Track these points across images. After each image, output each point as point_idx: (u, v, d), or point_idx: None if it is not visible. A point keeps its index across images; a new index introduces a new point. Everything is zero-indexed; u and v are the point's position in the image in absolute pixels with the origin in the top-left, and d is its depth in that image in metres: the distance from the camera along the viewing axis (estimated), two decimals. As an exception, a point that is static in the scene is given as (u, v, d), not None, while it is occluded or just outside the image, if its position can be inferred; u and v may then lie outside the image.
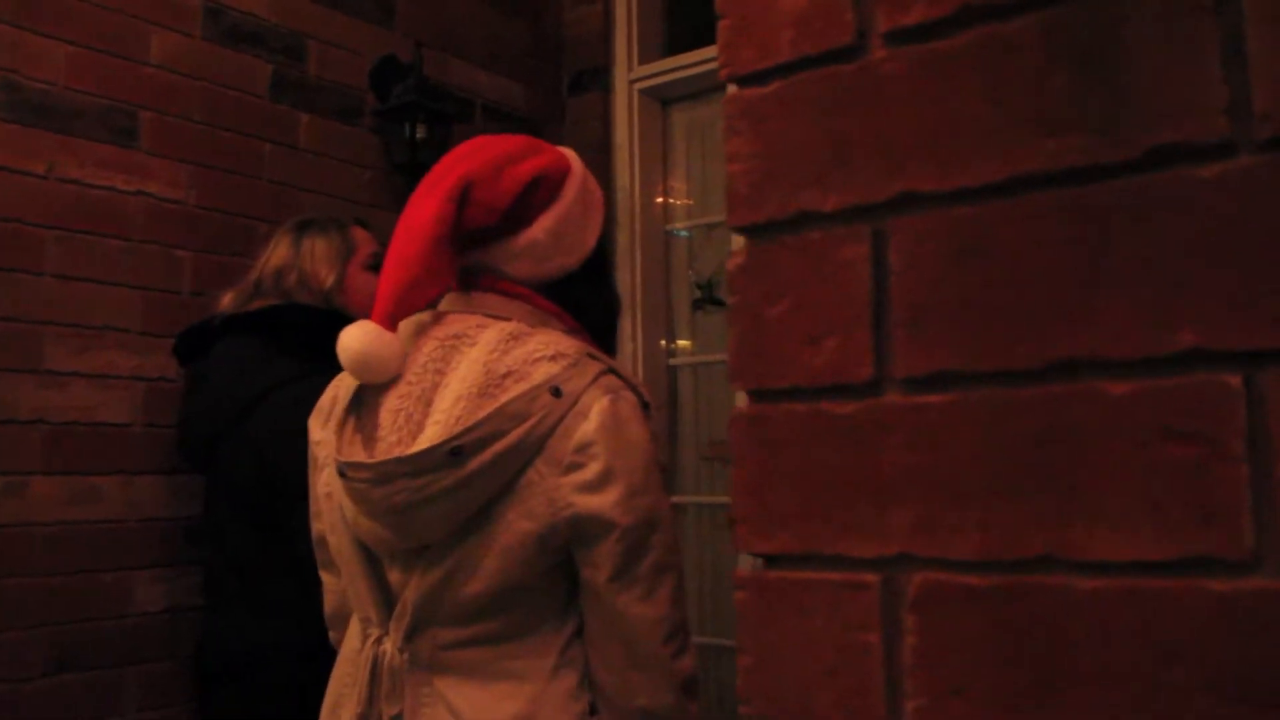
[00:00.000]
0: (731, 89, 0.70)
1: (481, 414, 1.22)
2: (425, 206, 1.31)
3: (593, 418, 1.26)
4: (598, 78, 3.34)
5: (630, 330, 3.24)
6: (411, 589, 1.29)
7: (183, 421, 2.21)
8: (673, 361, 3.31)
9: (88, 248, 2.24)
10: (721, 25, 0.71)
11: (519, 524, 1.25)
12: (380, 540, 1.31)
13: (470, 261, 1.41)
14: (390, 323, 1.28)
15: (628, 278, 3.25)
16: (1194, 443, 0.53)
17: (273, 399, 2.02)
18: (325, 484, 1.39)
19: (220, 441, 2.08)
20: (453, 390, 1.27)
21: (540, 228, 1.39)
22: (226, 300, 2.16)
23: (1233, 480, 0.52)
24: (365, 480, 1.24)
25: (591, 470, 1.25)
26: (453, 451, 1.21)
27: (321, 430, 1.41)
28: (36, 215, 2.17)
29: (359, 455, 1.27)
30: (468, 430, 1.21)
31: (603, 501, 1.25)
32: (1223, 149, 0.53)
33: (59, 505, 2.17)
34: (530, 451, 1.25)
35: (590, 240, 1.46)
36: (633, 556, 1.27)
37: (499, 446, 1.22)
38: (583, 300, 1.44)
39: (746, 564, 2.80)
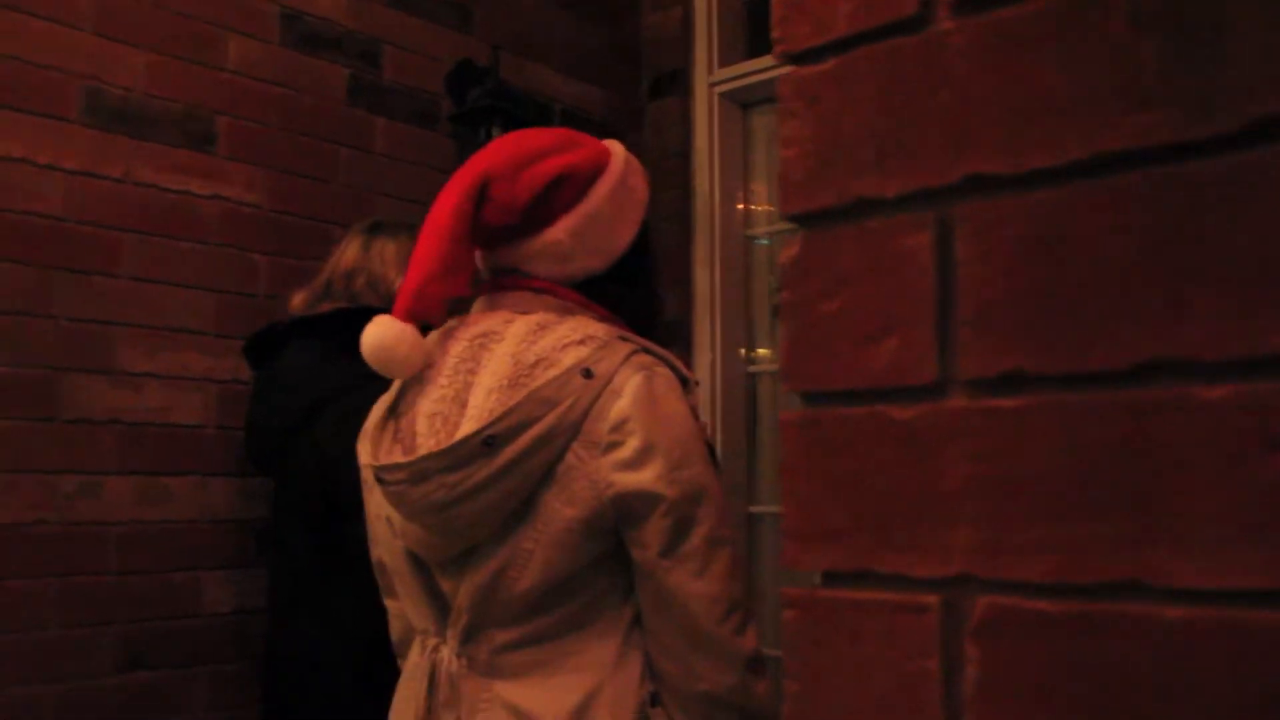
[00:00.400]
0: (786, 69, 0.65)
1: (512, 401, 1.21)
2: (444, 203, 1.30)
3: (626, 395, 1.24)
4: (677, 81, 3.29)
5: (709, 337, 3.19)
6: (464, 593, 1.27)
7: (249, 425, 2.22)
8: (751, 369, 3.25)
9: (163, 250, 2.26)
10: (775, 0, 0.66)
11: (564, 511, 1.23)
12: (427, 546, 1.30)
13: (495, 260, 1.40)
14: (409, 316, 1.28)
15: (707, 284, 3.20)
16: (1301, 456, 0.46)
17: (338, 403, 2.01)
18: (377, 505, 1.37)
19: (286, 446, 2.08)
20: (484, 385, 1.26)
21: (561, 228, 1.35)
22: (297, 301, 2.16)
23: (1346, 499, 0.45)
24: (402, 480, 1.23)
25: (630, 447, 1.23)
26: (485, 442, 1.20)
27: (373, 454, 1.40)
28: (113, 219, 2.20)
29: (396, 459, 1.26)
30: (499, 419, 1.20)
31: (643, 477, 1.22)
32: (1336, 121, 0.46)
33: (132, 505, 2.18)
34: (566, 436, 1.23)
35: (621, 242, 1.41)
36: (681, 530, 1.23)
37: (532, 433, 1.20)
38: (612, 300, 1.41)
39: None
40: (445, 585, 1.31)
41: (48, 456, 2.09)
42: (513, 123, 2.81)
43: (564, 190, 1.35)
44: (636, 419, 1.23)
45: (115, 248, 2.19)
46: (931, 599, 0.55)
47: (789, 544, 0.60)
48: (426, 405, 1.29)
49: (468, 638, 1.29)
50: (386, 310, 2.08)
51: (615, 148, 1.44)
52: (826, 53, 0.62)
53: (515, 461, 1.20)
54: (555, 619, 1.27)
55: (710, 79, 3.27)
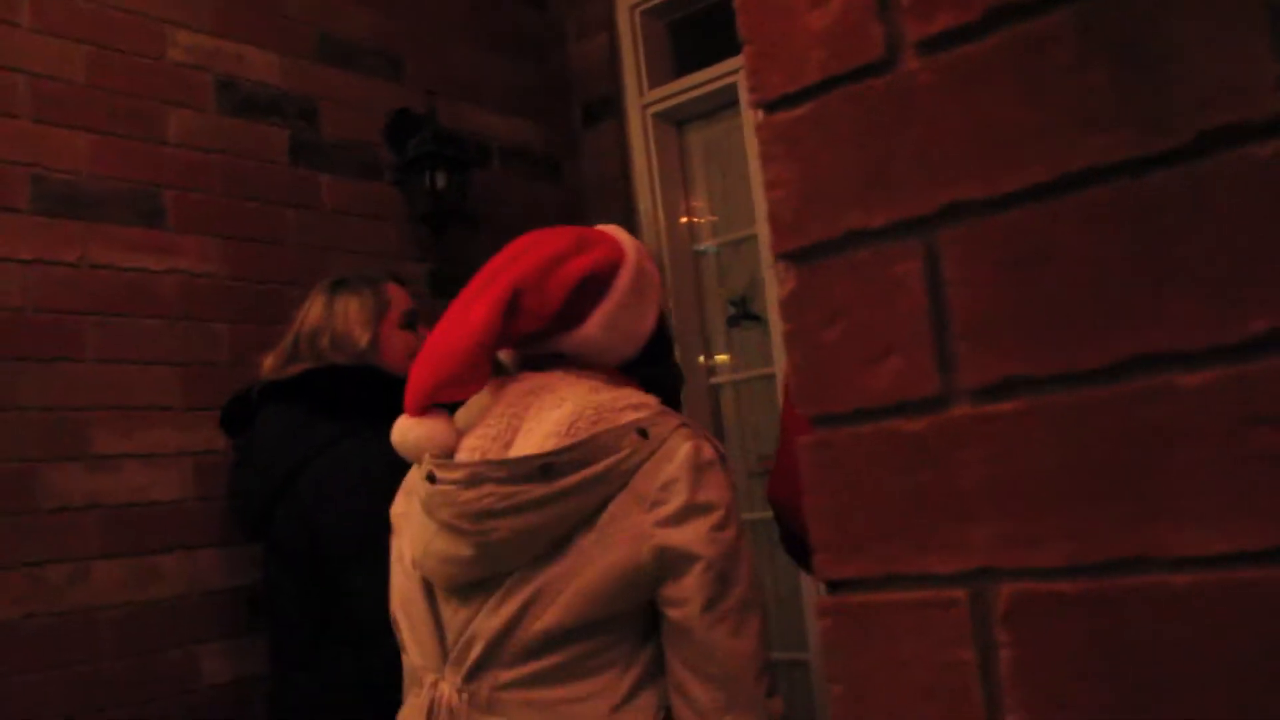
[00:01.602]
0: (762, 115, 0.69)
1: (573, 441, 1.26)
2: (474, 311, 1.33)
3: (677, 459, 1.29)
4: (609, 107, 3.35)
5: (667, 353, 3.23)
6: (480, 623, 1.30)
7: (233, 494, 2.22)
8: (714, 380, 3.30)
9: (125, 330, 2.26)
10: (746, 51, 0.71)
11: (600, 559, 1.26)
12: (453, 565, 1.31)
13: (528, 351, 1.45)
14: (422, 411, 1.33)
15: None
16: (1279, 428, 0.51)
17: (316, 464, 2.03)
18: (398, 549, 1.41)
19: (271, 510, 2.09)
20: (539, 431, 1.31)
21: (594, 324, 1.40)
22: (267, 364, 2.17)
23: (1323, 462, 0.50)
24: (456, 481, 1.27)
25: (674, 505, 1.27)
26: (543, 467, 1.25)
27: (405, 503, 1.43)
28: (73, 303, 2.20)
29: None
30: (561, 451, 1.25)
31: (686, 534, 1.27)
32: (1276, 126, 0.52)
33: (121, 588, 2.18)
34: (616, 485, 1.27)
35: (647, 326, 1.46)
36: (721, 588, 1.27)
37: (587, 472, 1.25)
38: (649, 380, 1.47)
39: (807, 580, 2.76)
40: (456, 617, 1.33)
41: (32, 549, 2.08)
42: (454, 165, 2.84)
43: (590, 289, 1.40)
44: (684, 480, 1.28)
45: (78, 333, 2.19)
46: (959, 593, 0.60)
47: (820, 557, 0.65)
48: (469, 441, 1.34)
49: (472, 674, 1.30)
50: (354, 366, 2.11)
51: (620, 234, 1.50)
52: (801, 98, 0.67)
53: (567, 493, 1.25)
54: (561, 663, 1.29)
55: (642, 101, 3.34)
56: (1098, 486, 0.56)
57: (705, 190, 3.40)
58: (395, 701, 1.85)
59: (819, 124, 0.66)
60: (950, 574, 0.60)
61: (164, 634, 2.22)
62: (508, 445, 1.32)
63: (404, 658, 1.49)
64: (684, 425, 1.34)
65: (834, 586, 0.65)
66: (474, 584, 1.32)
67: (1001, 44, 0.60)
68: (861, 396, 0.64)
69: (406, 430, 1.33)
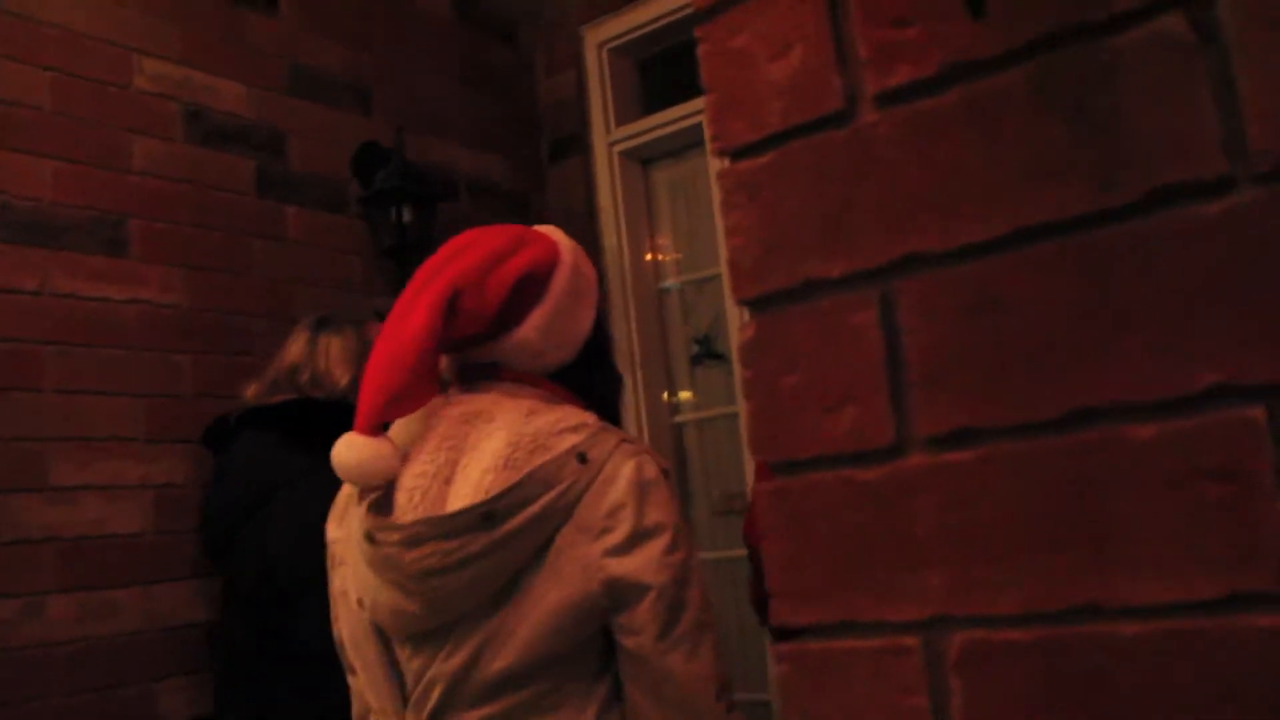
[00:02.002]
0: (724, 163, 0.70)
1: (511, 481, 1.23)
2: (413, 317, 1.29)
3: (620, 483, 1.27)
4: (576, 144, 3.37)
5: (631, 387, 3.24)
6: (436, 669, 1.27)
7: (204, 516, 2.21)
8: (677, 419, 3.31)
9: (86, 360, 2.24)
10: (709, 100, 0.72)
11: (552, 594, 1.24)
12: (404, 619, 1.29)
13: (466, 359, 1.41)
14: (373, 431, 1.28)
15: (624, 337, 3.26)
16: (1225, 480, 0.52)
17: (280, 496, 2.02)
18: (341, 581, 1.37)
19: (233, 535, 2.08)
20: (478, 465, 1.27)
21: (530, 326, 1.37)
22: (249, 393, 2.17)
23: (1268, 514, 0.51)
24: (396, 544, 1.23)
25: (621, 532, 1.25)
26: (485, 515, 1.21)
27: (338, 529, 1.40)
28: (33, 332, 2.18)
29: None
30: (500, 495, 1.22)
31: (636, 562, 1.25)
32: (1222, 185, 0.53)
33: (77, 623, 2.15)
34: (559, 518, 1.25)
35: (583, 328, 1.44)
36: (673, 615, 1.26)
37: (530, 512, 1.22)
38: (584, 385, 1.44)
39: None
40: (411, 663, 1.30)
41: (-16, 581, 2.05)
42: (422, 200, 2.84)
43: (528, 290, 1.36)
44: (630, 505, 1.26)
45: (37, 362, 2.17)
46: (912, 640, 0.60)
47: (776, 603, 0.65)
48: (408, 480, 1.29)
49: (434, 718, 1.28)
50: (333, 400, 2.11)
51: (557, 235, 1.47)
52: (763, 147, 0.68)
53: (511, 536, 1.22)
54: (522, 700, 1.27)
55: (609, 139, 3.36)
56: (1051, 535, 0.57)
57: (670, 228, 3.42)
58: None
59: (779, 173, 0.67)
60: (904, 621, 0.61)
61: (120, 670, 2.19)
62: (448, 481, 1.29)
63: (351, 680, 1.47)
64: (624, 443, 1.32)
65: (790, 634, 0.65)
66: (426, 631, 1.29)
67: (959, 99, 0.61)
68: (819, 444, 0.64)
69: (350, 449, 1.27)
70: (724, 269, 3.11)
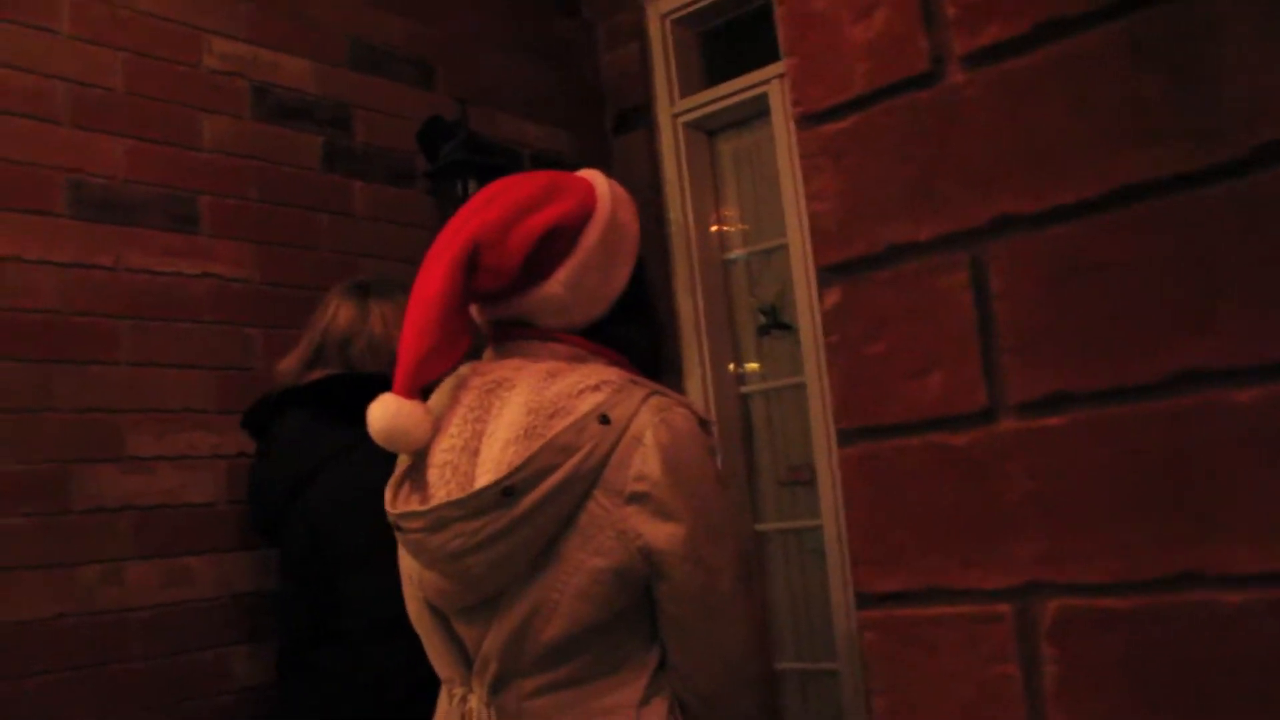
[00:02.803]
0: (796, 131, 0.69)
1: (529, 452, 1.21)
2: (434, 274, 1.27)
3: (648, 443, 1.24)
4: (641, 116, 3.36)
5: (697, 361, 3.23)
6: (490, 641, 1.28)
7: (250, 498, 2.23)
8: (744, 389, 3.30)
9: (159, 333, 2.28)
10: (789, 64, 0.71)
11: (590, 561, 1.24)
12: (446, 595, 1.30)
13: (495, 314, 1.39)
14: (410, 393, 1.26)
15: (690, 309, 3.25)
16: (1333, 446, 0.51)
17: (327, 470, 2.03)
18: (401, 555, 1.38)
19: (283, 514, 2.09)
20: (500, 437, 1.26)
21: (557, 281, 1.33)
22: (282, 367, 2.15)
23: (1378, 481, 0.50)
24: (420, 529, 1.23)
25: (655, 498, 1.23)
26: (505, 491, 1.20)
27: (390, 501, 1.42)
28: (109, 307, 2.22)
29: (413, 507, 1.26)
30: (518, 469, 1.20)
31: (673, 529, 1.24)
32: (1330, 142, 0.52)
33: (154, 589, 2.19)
34: (585, 483, 1.23)
35: (617, 283, 1.39)
36: (709, 581, 1.26)
37: (551, 481, 1.20)
38: (621, 340, 1.40)
39: (837, 585, 2.73)
40: (466, 634, 1.32)
41: (65, 549, 2.10)
42: (488, 172, 2.85)
43: (555, 244, 1.33)
44: (660, 468, 1.23)
45: (112, 335, 2.21)
46: (1004, 608, 0.60)
47: (860, 569, 0.65)
48: (437, 456, 1.29)
49: (496, 688, 1.29)
50: (384, 374, 2.11)
51: (598, 181, 1.42)
52: (845, 111, 0.67)
53: (534, 510, 1.20)
54: (581, 665, 1.28)
55: (673, 110, 3.34)
56: (1146, 502, 0.56)
57: (736, 199, 3.40)
58: (391, 703, 1.86)
59: (863, 137, 0.66)
60: (995, 589, 0.60)
61: (196, 636, 2.23)
62: (476, 454, 1.27)
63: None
64: (652, 396, 1.28)
65: (873, 600, 0.65)
66: (472, 606, 1.29)
67: (1050, 58, 0.59)
68: (906, 410, 0.63)
69: (384, 410, 1.26)
70: (790, 239, 3.09)
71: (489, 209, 1.32)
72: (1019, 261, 0.60)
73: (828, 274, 0.67)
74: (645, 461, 1.24)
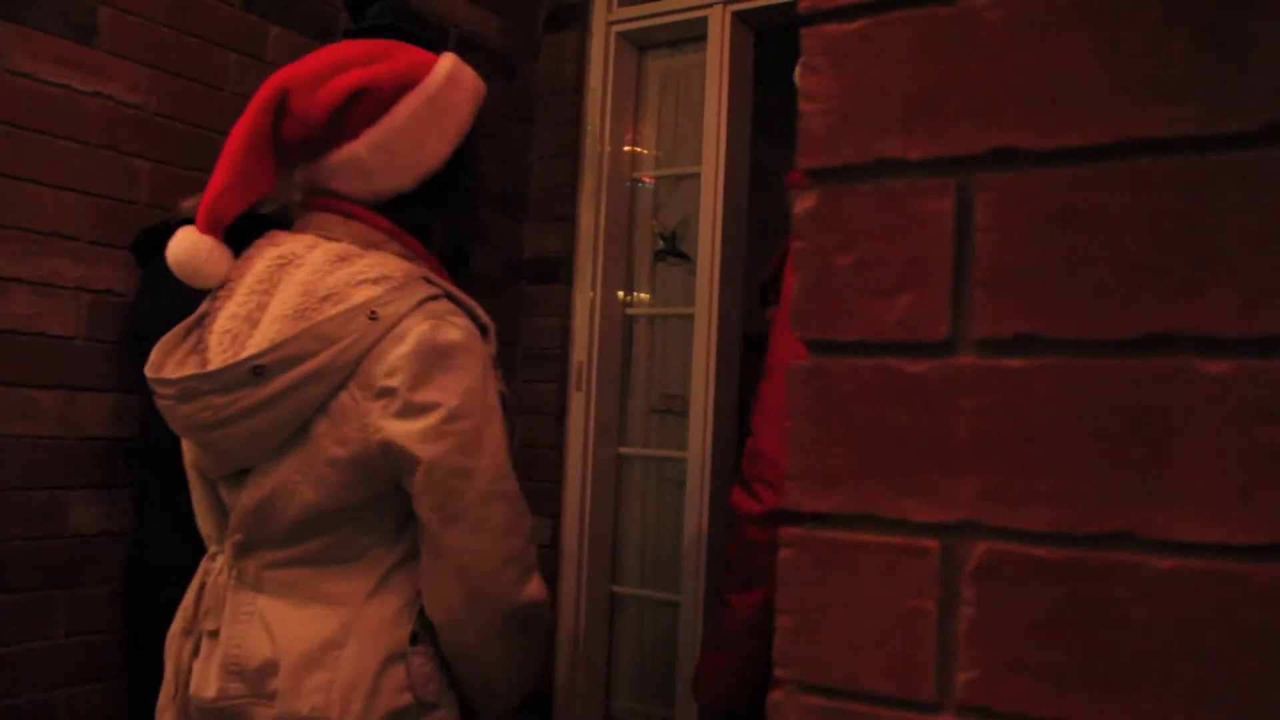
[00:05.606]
0: (811, 24, 0.66)
1: (291, 333, 1.21)
2: (243, 116, 1.29)
3: (408, 342, 1.23)
4: (575, 16, 3.27)
5: (590, 278, 3.19)
6: (238, 511, 1.29)
7: (133, 320, 2.12)
8: (629, 311, 3.28)
9: (37, 147, 2.13)
10: (799, -43, 0.68)
11: (333, 449, 1.24)
12: (200, 462, 1.32)
13: (303, 178, 1.38)
14: (209, 227, 1.28)
15: (591, 224, 3.21)
16: (1292, 427, 0.51)
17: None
18: None
19: None
20: (272, 312, 1.26)
21: (363, 143, 1.32)
22: (187, 205, 2.07)
23: (1327, 468, 0.50)
24: (170, 397, 1.24)
25: (402, 396, 1.23)
26: (254, 370, 1.20)
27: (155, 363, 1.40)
28: (-15, 108, 2.06)
29: (188, 370, 1.25)
30: (270, 349, 1.20)
31: (412, 428, 1.23)
32: (1348, 126, 0.51)
33: (-6, 416, 2.07)
34: (341, 375, 1.22)
35: (431, 160, 1.37)
36: (453, 486, 1.24)
37: (305, 368, 1.20)
38: (422, 223, 1.38)
39: (692, 519, 2.75)
40: (227, 499, 1.32)
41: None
42: (408, 43, 2.73)
43: (364, 104, 1.31)
44: (407, 370, 1.23)
45: (-15, 140, 2.06)
46: (932, 543, 0.59)
47: (792, 486, 0.63)
48: (221, 321, 1.28)
49: (239, 554, 1.31)
50: (270, 217, 2.02)
51: (445, 61, 1.40)
52: (856, 12, 0.64)
53: (283, 393, 1.21)
54: (317, 547, 1.29)
55: (609, 17, 3.26)
56: (1095, 458, 0.55)
57: (655, 121, 3.35)
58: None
59: (871, 42, 0.63)
60: (928, 522, 0.59)
61: (34, 473, 2.12)
62: (255, 324, 1.26)
63: None
64: (429, 300, 1.28)
65: (797, 518, 0.63)
66: (226, 474, 1.30)
67: (1081, -6, 0.57)
68: (866, 328, 0.61)
69: (183, 245, 1.29)
70: (705, 169, 3.05)
71: (308, 63, 1.33)
72: (1009, 197, 0.58)
73: (809, 177, 0.64)
74: (400, 360, 1.23)
